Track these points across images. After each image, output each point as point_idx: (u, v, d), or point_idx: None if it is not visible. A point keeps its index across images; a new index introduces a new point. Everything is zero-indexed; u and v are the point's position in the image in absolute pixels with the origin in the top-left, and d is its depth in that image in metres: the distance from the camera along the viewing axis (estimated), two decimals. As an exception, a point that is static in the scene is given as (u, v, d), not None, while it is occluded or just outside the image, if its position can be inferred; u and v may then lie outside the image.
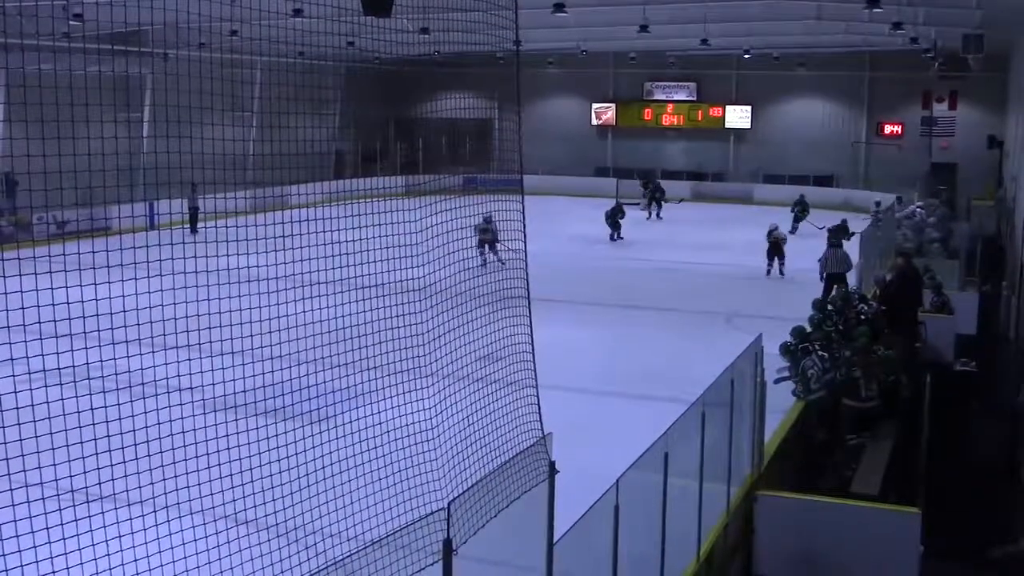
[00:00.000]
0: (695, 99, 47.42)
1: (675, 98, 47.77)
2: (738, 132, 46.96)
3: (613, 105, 48.69)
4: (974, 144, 39.36)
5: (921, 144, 41.09)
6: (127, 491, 5.68)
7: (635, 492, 7.18)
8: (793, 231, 31.26)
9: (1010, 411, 16.50)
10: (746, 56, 40.58)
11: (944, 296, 19.68)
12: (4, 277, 5.69)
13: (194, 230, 27.15)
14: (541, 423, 7.26)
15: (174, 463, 5.88)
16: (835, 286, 20.10)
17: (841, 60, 42.20)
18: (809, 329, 14.29)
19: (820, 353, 13.36)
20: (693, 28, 33.31)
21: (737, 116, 46.74)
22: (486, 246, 22.46)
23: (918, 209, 29.01)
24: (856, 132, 44.72)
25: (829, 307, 14.89)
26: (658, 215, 38.05)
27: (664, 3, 27.86)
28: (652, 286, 24.65)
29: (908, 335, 16.34)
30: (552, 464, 7.00)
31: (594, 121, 49.15)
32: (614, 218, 32.52)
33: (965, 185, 38.74)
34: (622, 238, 32.45)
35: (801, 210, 33.49)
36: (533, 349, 7.36)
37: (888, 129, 43.84)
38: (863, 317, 14.87)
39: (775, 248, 25.36)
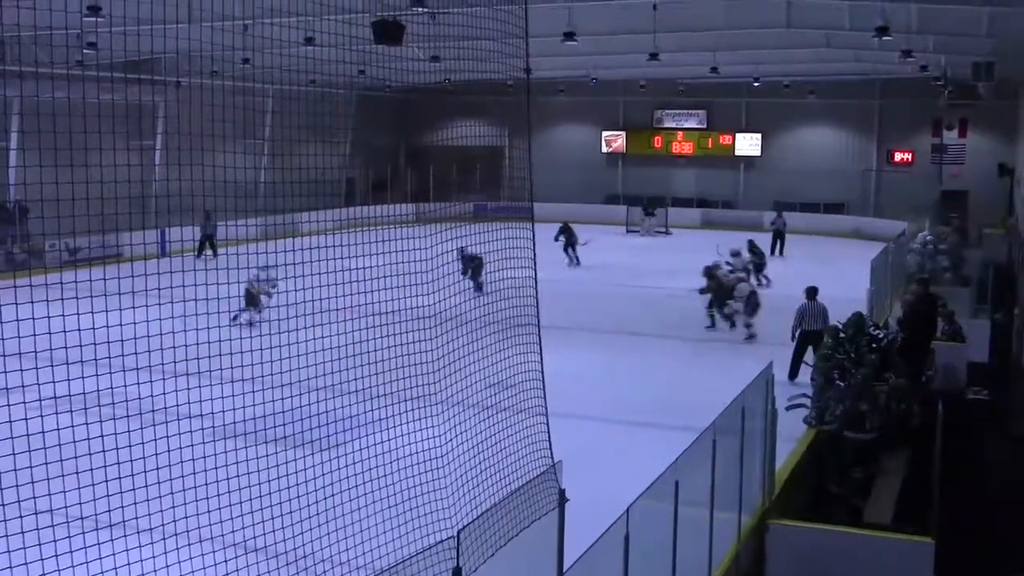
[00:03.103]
0: (705, 127, 47.52)
1: (685, 126, 47.88)
2: (748, 160, 47.00)
3: (623, 133, 48.82)
4: (985, 172, 39.29)
5: (932, 172, 41.06)
6: (136, 518, 5.68)
7: (645, 521, 7.13)
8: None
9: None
10: (756, 84, 40.72)
11: (956, 324, 19.61)
12: (16, 304, 5.72)
13: (199, 255, 27.32)
14: (551, 451, 7.24)
15: (183, 490, 5.88)
16: (810, 346, 16.77)
17: (851, 88, 42.30)
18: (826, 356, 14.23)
19: (837, 382, 13.32)
20: (703, 56, 33.48)
21: (747, 144, 46.81)
22: (249, 308, 18.69)
23: (928, 237, 28.88)
24: (866, 160, 44.72)
25: (841, 335, 14.79)
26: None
27: (674, 31, 27.96)
28: (661, 313, 24.61)
29: (918, 363, 16.26)
30: (562, 492, 6.98)
31: (604, 149, 49.26)
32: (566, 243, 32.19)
33: (976, 213, 38.64)
34: (578, 263, 32.27)
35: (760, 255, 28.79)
36: (543, 376, 7.35)
37: (898, 156, 43.80)
38: (874, 345, 14.76)
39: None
